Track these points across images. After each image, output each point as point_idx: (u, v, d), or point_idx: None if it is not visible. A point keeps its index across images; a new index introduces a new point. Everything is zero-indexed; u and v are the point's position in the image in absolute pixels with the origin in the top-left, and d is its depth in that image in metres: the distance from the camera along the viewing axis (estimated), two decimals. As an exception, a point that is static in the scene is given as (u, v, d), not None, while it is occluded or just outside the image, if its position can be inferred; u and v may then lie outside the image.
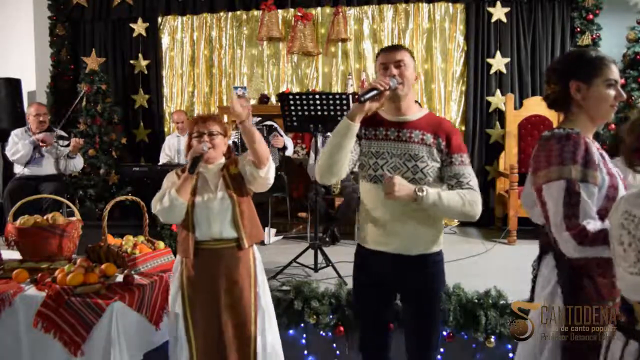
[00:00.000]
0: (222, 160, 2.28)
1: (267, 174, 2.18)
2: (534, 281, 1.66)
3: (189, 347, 2.16)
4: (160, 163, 5.32)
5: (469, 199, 1.84)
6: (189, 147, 2.24)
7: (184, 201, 2.12)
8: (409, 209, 1.84)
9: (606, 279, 1.46)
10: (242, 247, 2.19)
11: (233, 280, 2.18)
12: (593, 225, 1.38)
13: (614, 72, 1.55)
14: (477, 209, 1.86)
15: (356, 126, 1.84)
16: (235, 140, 4.60)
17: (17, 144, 4.63)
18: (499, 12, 5.31)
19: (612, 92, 1.54)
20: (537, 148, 1.55)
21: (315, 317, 2.78)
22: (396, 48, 1.94)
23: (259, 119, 4.80)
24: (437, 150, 1.87)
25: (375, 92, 1.80)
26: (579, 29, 5.12)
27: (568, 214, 1.39)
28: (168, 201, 2.11)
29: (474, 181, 1.89)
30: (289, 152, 4.72)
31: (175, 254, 2.76)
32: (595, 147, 1.50)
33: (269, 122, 4.69)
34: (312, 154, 4.57)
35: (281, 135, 4.59)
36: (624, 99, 1.58)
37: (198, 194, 2.17)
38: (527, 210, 1.70)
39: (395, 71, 1.87)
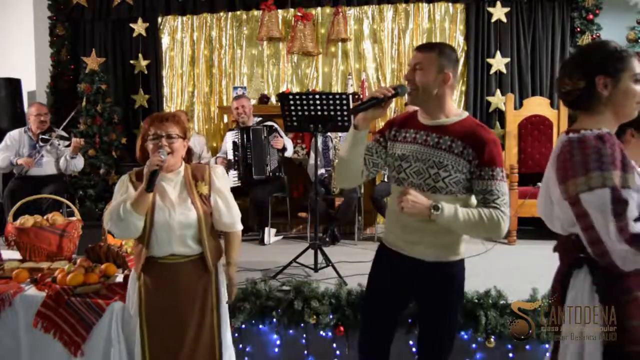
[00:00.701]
0: (182, 167, 2.06)
1: None
2: (559, 297, 1.50)
3: None
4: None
5: (489, 219, 1.71)
6: (142, 149, 2.03)
7: (140, 216, 1.89)
8: (423, 218, 1.77)
9: None
10: (207, 264, 2.04)
11: (193, 296, 2.03)
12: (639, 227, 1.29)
13: (639, 66, 1.46)
14: (500, 231, 1.73)
15: (361, 133, 1.81)
16: (236, 140, 4.59)
17: (4, 150, 4.60)
18: (499, 12, 5.32)
19: (639, 88, 1.45)
20: (564, 152, 1.41)
21: (315, 317, 2.77)
22: (420, 49, 1.83)
23: (260, 119, 4.80)
24: (464, 161, 1.74)
25: (373, 101, 1.76)
26: (579, 29, 5.13)
27: (621, 226, 1.29)
28: (123, 216, 1.88)
29: (502, 199, 1.73)
30: (289, 153, 4.72)
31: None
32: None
33: (269, 123, 4.69)
34: (312, 154, 4.57)
35: (281, 136, 4.59)
36: None
37: (157, 208, 1.95)
38: (545, 219, 1.57)
39: (410, 75, 1.81)
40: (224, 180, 2.12)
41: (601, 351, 1.38)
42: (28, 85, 5.89)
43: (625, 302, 1.38)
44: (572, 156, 1.37)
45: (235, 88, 5.73)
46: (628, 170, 1.35)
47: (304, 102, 3.39)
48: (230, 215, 2.08)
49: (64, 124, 4.90)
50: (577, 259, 1.44)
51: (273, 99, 5.64)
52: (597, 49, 1.49)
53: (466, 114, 1.86)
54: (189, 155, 2.11)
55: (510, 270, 3.47)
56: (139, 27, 6.06)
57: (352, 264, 3.40)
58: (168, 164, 1.95)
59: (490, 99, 5.39)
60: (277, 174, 4.56)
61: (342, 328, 2.77)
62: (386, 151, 1.92)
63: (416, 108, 1.89)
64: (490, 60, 5.36)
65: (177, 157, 2.00)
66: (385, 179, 4.60)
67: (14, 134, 4.72)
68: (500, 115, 5.35)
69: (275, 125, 4.65)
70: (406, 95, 1.83)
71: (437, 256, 1.85)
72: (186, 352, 2.00)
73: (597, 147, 1.34)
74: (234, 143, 4.59)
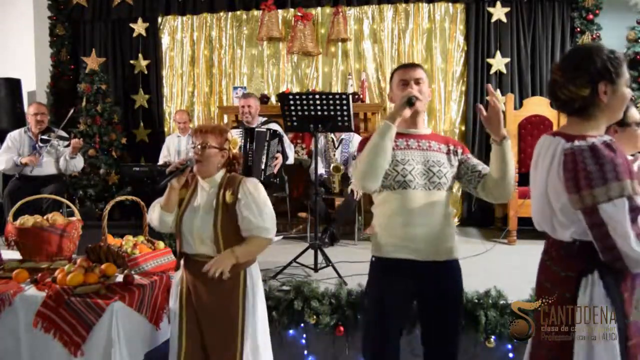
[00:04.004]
0: (220, 174, 2.18)
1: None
2: (571, 300, 1.50)
3: (178, 348, 2.17)
4: (159, 163, 5.31)
5: None
6: None
7: (169, 214, 2.17)
8: (431, 216, 1.92)
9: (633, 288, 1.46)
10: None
11: (217, 292, 2.12)
12: None
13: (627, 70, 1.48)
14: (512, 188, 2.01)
15: (395, 128, 1.87)
16: (238, 140, 4.52)
17: (7, 152, 4.61)
18: (499, 12, 5.32)
19: (629, 92, 1.48)
20: (573, 161, 1.40)
21: (315, 317, 2.77)
22: (414, 66, 2.06)
23: (265, 119, 4.76)
24: (454, 156, 2.02)
25: (414, 99, 1.90)
26: (579, 29, 5.13)
27: (638, 232, 1.33)
28: (156, 214, 2.19)
29: None
30: (290, 161, 4.69)
31: (175, 253, 2.77)
32: None
33: (274, 127, 4.59)
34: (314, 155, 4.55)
35: (283, 143, 4.53)
36: (630, 96, 1.51)
37: (187, 211, 2.16)
38: (542, 226, 1.58)
39: (415, 87, 1.97)
40: (253, 193, 2.13)
41: (620, 349, 1.40)
42: (28, 85, 5.89)
43: (627, 298, 1.42)
44: (586, 166, 1.37)
45: (235, 88, 5.73)
46: (635, 177, 1.37)
47: (304, 102, 3.39)
48: (252, 226, 2.12)
49: (63, 123, 4.88)
50: (589, 265, 1.44)
51: (273, 99, 5.64)
52: (596, 55, 1.47)
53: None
54: (233, 165, 2.21)
55: (510, 270, 3.47)
56: (139, 27, 6.07)
57: (352, 264, 3.40)
58: (199, 169, 2.13)
59: (490, 99, 5.39)
60: (271, 179, 4.49)
61: (342, 328, 2.77)
62: None
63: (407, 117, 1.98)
64: (490, 60, 5.37)
65: (209, 166, 2.13)
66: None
67: (14, 135, 4.71)
68: (500, 115, 5.34)
69: (280, 131, 4.55)
70: (409, 105, 1.91)
71: (448, 254, 1.97)
72: (211, 346, 2.13)
73: (611, 157, 1.35)
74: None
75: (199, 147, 2.11)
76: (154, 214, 2.21)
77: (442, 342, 2.01)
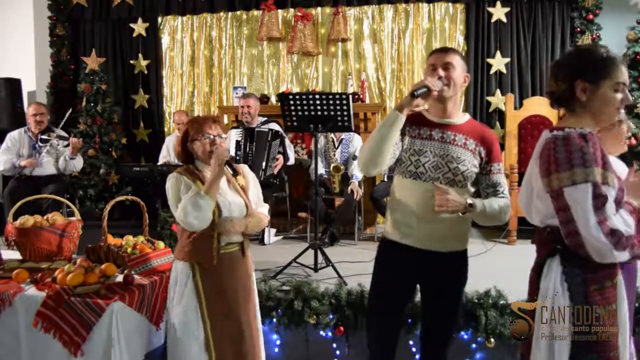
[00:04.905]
0: None
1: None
2: (536, 285, 1.59)
3: (208, 355, 2.10)
4: (159, 163, 5.30)
5: (504, 208, 1.94)
6: (185, 149, 2.20)
7: (213, 203, 2.07)
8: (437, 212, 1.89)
9: (612, 282, 1.48)
10: (245, 250, 2.26)
11: (244, 280, 2.25)
12: (617, 221, 1.39)
13: (624, 75, 1.50)
14: (509, 216, 2.00)
15: (403, 118, 1.85)
16: (238, 139, 4.54)
17: (7, 152, 4.61)
18: (499, 12, 5.32)
19: (619, 96, 1.50)
20: (548, 148, 1.48)
21: (315, 317, 2.77)
22: (446, 50, 1.96)
23: (264, 119, 4.76)
24: (477, 157, 1.94)
25: (425, 89, 1.82)
26: (579, 29, 5.13)
27: (601, 219, 1.37)
28: (202, 205, 2.02)
29: (505, 188, 2.00)
30: (291, 162, 4.69)
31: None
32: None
33: (275, 127, 4.58)
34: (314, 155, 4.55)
35: (284, 144, 4.52)
36: (630, 103, 1.55)
37: (219, 199, 2.14)
38: (524, 211, 1.69)
39: (442, 73, 1.89)
40: (254, 177, 2.39)
41: (569, 350, 1.46)
42: (28, 85, 5.89)
43: (592, 291, 1.46)
44: (557, 152, 1.45)
45: (235, 88, 5.73)
46: (608, 168, 1.43)
47: (304, 102, 3.39)
48: (258, 204, 2.34)
49: (62, 123, 4.88)
50: (552, 250, 1.52)
51: (273, 99, 5.64)
52: (583, 54, 1.55)
53: (468, 115, 2.03)
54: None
55: (510, 270, 3.46)
56: (139, 27, 6.07)
57: (352, 264, 3.39)
58: None
59: (490, 99, 5.40)
60: (270, 180, 4.49)
61: (342, 328, 2.77)
62: (402, 145, 1.97)
63: (421, 107, 1.96)
64: (490, 60, 5.37)
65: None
66: (385, 179, 4.60)
67: (14, 135, 4.71)
68: (500, 115, 5.35)
69: (281, 131, 4.55)
70: (412, 96, 1.84)
71: (447, 246, 1.96)
72: (246, 335, 2.19)
73: (581, 145, 1.42)
74: (237, 142, 4.55)
75: (218, 137, 2.17)
76: (197, 211, 2.02)
77: (437, 330, 2.06)
